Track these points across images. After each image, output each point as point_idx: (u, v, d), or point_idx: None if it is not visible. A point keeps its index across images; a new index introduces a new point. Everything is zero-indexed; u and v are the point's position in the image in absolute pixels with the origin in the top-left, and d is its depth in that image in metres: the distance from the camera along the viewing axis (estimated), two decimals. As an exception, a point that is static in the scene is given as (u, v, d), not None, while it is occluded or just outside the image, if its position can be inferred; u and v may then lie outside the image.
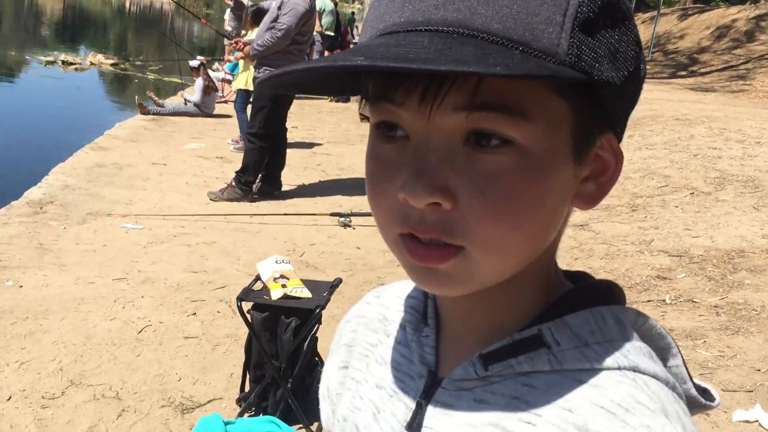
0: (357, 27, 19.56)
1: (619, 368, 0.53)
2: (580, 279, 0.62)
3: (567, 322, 0.55)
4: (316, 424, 2.91)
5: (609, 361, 0.53)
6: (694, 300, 4.22)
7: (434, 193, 0.49)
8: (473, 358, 0.57)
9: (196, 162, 7.49)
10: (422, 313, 0.64)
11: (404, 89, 0.49)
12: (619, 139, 0.56)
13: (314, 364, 3.09)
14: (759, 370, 3.40)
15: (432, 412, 0.58)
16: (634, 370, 0.53)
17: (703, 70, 14.89)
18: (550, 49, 0.47)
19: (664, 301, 4.21)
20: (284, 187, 6.53)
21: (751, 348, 3.61)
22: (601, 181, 0.56)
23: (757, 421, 2.97)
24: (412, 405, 0.60)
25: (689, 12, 19.69)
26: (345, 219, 5.65)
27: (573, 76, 0.47)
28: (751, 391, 3.22)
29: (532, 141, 0.49)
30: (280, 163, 6.45)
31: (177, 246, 4.99)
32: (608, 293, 0.59)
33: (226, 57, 11.69)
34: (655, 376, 0.54)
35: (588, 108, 0.51)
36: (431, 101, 0.48)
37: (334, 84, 0.60)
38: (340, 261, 4.90)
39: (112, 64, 16.17)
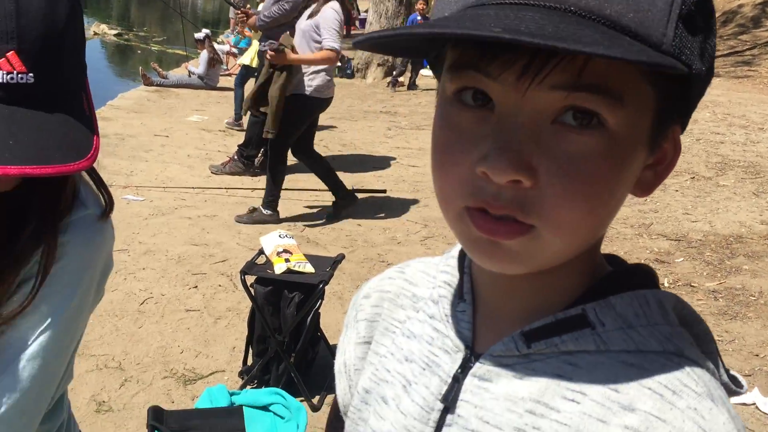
0: (357, 2, 19.36)
1: (664, 352, 0.54)
2: (613, 261, 0.63)
3: (611, 303, 0.55)
4: (317, 397, 2.94)
5: (654, 345, 0.54)
6: (693, 284, 4.24)
7: (518, 170, 0.48)
8: (515, 335, 0.57)
9: (199, 135, 7.46)
10: (457, 288, 0.64)
11: (501, 62, 0.48)
12: (682, 131, 0.57)
13: (316, 339, 3.11)
14: (757, 355, 3.43)
15: (469, 386, 0.58)
16: (679, 354, 0.54)
17: (708, 55, 14.81)
18: (657, 39, 0.48)
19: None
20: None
21: (749, 333, 3.64)
22: (659, 170, 0.56)
23: (754, 403, 3.01)
24: (448, 378, 0.60)
25: (696, -5, 19.55)
26: (347, 195, 5.63)
27: (678, 67, 0.48)
28: (750, 375, 3.25)
29: (621, 126, 0.49)
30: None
31: (178, 218, 5.00)
32: (647, 277, 0.59)
33: (232, 27, 11.61)
34: (696, 362, 0.54)
35: (671, 99, 0.52)
36: (531, 78, 0.47)
37: (410, 47, 0.58)
38: (341, 237, 4.91)
39: (115, 35, 16.09)
